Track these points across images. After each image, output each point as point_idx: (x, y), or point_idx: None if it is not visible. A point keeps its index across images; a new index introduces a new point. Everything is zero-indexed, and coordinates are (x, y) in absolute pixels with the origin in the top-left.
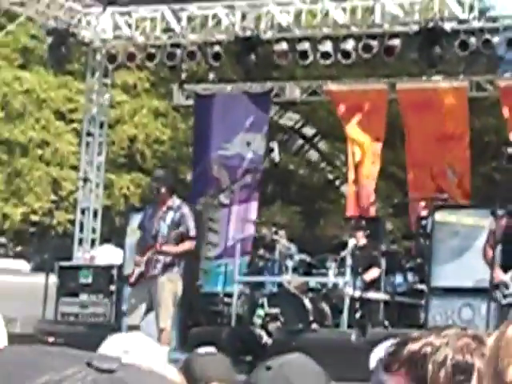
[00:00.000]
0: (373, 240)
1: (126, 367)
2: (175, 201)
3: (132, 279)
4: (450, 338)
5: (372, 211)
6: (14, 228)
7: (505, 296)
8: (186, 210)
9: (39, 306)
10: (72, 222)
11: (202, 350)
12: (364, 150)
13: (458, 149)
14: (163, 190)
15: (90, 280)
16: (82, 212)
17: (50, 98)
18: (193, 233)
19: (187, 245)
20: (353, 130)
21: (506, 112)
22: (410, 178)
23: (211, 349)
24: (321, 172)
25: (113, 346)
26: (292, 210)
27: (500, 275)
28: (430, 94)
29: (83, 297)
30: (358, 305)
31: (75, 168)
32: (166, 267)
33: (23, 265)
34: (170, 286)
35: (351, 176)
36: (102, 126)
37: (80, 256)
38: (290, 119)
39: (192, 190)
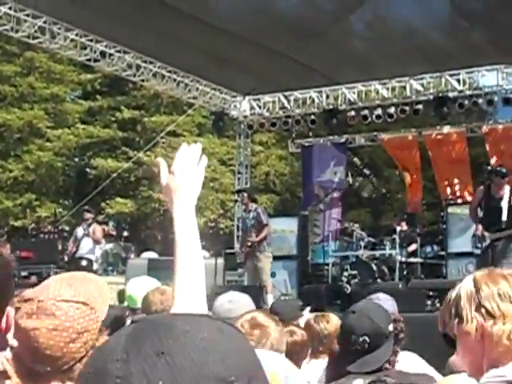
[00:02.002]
0: (412, 226)
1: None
2: (253, 205)
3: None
4: None
5: (413, 208)
6: (199, 231)
7: (479, 247)
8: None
9: (212, 276)
10: (232, 226)
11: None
12: (411, 173)
13: (463, 168)
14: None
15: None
16: (238, 220)
17: (216, 152)
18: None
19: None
20: (401, 161)
21: (487, 145)
22: (438, 186)
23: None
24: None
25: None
26: (363, 211)
27: (480, 229)
28: (443, 136)
29: (239, 271)
30: (404, 266)
31: (233, 193)
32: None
33: (204, 253)
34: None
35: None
36: (247, 167)
37: (237, 247)
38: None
39: (303, 202)
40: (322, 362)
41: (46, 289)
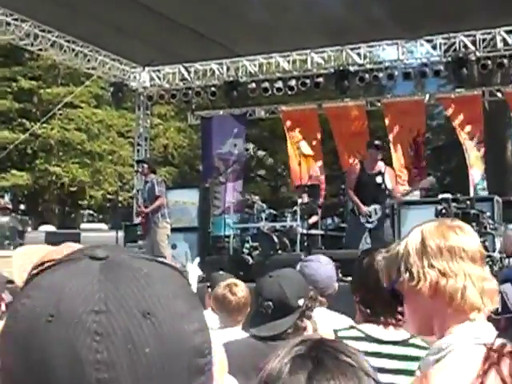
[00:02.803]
0: (313, 198)
1: (115, 251)
2: (151, 176)
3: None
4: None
5: (313, 180)
6: (97, 204)
7: (371, 222)
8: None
9: None
10: (131, 198)
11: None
12: (312, 146)
13: (362, 141)
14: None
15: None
16: (137, 191)
17: (115, 124)
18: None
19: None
20: (301, 134)
21: (386, 119)
22: (340, 159)
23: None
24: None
25: None
26: (263, 184)
27: (364, 208)
28: (343, 110)
29: (139, 243)
30: (305, 238)
31: (131, 165)
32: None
33: (103, 226)
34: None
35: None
36: (146, 139)
37: (136, 219)
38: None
39: (202, 175)
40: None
41: None
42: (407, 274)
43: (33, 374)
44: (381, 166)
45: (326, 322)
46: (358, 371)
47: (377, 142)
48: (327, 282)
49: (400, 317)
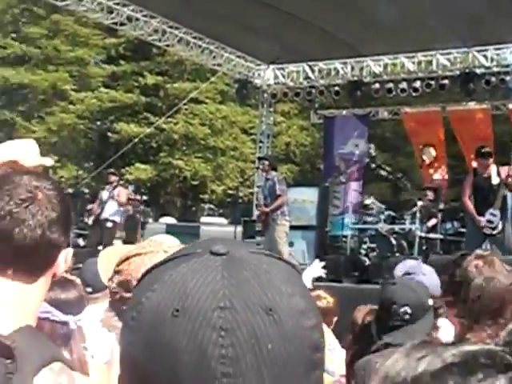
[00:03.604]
0: (433, 201)
1: (234, 246)
2: (272, 173)
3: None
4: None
5: (435, 183)
6: (218, 199)
7: (492, 228)
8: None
9: None
10: (251, 194)
11: None
12: (435, 149)
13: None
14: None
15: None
16: (258, 187)
17: (238, 121)
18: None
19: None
20: (423, 137)
21: None
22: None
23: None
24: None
25: None
26: (384, 185)
27: (479, 218)
28: (468, 113)
29: (257, 239)
30: (423, 241)
31: (253, 162)
32: None
33: (223, 220)
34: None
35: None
36: (268, 136)
37: (256, 215)
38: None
39: (323, 174)
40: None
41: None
42: None
43: (159, 366)
44: (493, 168)
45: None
46: None
47: (483, 150)
48: (434, 291)
49: (502, 320)
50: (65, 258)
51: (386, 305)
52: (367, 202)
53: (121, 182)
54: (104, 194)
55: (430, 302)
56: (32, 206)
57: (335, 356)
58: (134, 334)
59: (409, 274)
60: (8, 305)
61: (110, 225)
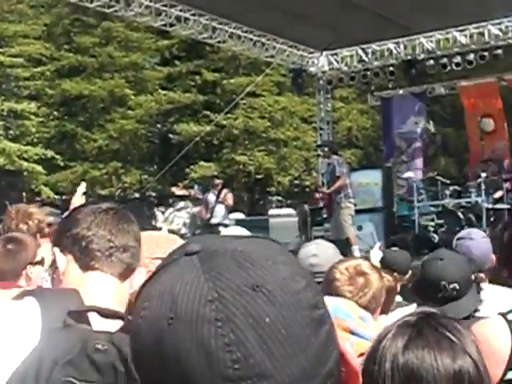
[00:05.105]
0: (497, 172)
1: (207, 240)
2: (333, 157)
3: None
4: None
5: (497, 155)
6: (284, 190)
7: None
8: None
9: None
10: (317, 182)
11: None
12: (495, 119)
13: None
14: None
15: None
16: (322, 175)
17: (297, 110)
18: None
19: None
20: (482, 109)
21: None
22: None
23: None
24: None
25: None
26: (448, 160)
27: None
28: None
29: (325, 226)
30: (491, 213)
31: (316, 150)
32: None
33: (290, 211)
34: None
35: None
36: (328, 123)
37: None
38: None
39: (384, 155)
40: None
41: None
42: None
43: (172, 376)
44: None
45: (491, 301)
46: (455, 346)
47: None
48: (482, 258)
49: None
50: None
51: (435, 281)
52: (431, 178)
53: (221, 183)
54: (210, 198)
55: (473, 276)
56: None
57: (369, 323)
58: (142, 356)
59: (459, 239)
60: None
61: (222, 229)
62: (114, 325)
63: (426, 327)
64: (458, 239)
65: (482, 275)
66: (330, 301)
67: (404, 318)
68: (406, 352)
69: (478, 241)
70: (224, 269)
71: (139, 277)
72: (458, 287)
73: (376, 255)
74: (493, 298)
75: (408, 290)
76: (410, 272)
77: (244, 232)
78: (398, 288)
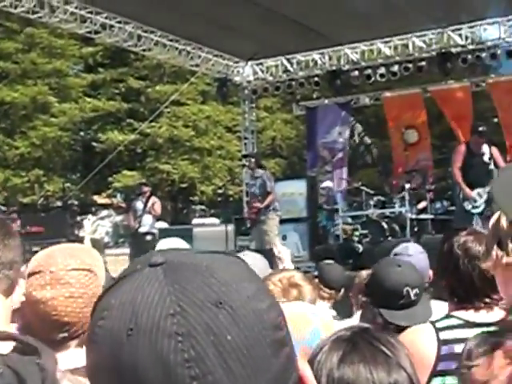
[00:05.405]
0: (421, 183)
1: (171, 253)
2: (259, 171)
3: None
4: None
5: (421, 165)
6: (208, 199)
7: (477, 207)
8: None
9: (223, 242)
10: (241, 192)
11: (325, 262)
12: (419, 131)
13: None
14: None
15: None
16: (246, 185)
17: (222, 119)
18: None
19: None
20: (406, 120)
21: (494, 99)
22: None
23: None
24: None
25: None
26: (371, 170)
27: (469, 191)
28: (449, 91)
29: (250, 236)
30: (414, 223)
31: (240, 159)
32: None
33: (214, 220)
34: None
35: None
36: (253, 132)
37: (246, 212)
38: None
39: (308, 165)
40: None
41: (51, 259)
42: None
43: None
44: (485, 147)
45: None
46: (390, 360)
47: (480, 129)
48: (420, 274)
49: (488, 300)
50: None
51: (397, 286)
52: (356, 188)
53: (152, 191)
54: (138, 205)
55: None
56: None
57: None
58: (95, 365)
59: (396, 255)
60: None
61: (149, 238)
62: (5, 346)
63: (361, 341)
64: (396, 255)
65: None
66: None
67: (338, 332)
68: (342, 366)
69: (415, 257)
70: (188, 283)
71: (19, 290)
72: (418, 292)
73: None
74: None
75: (341, 305)
76: (343, 289)
77: (183, 244)
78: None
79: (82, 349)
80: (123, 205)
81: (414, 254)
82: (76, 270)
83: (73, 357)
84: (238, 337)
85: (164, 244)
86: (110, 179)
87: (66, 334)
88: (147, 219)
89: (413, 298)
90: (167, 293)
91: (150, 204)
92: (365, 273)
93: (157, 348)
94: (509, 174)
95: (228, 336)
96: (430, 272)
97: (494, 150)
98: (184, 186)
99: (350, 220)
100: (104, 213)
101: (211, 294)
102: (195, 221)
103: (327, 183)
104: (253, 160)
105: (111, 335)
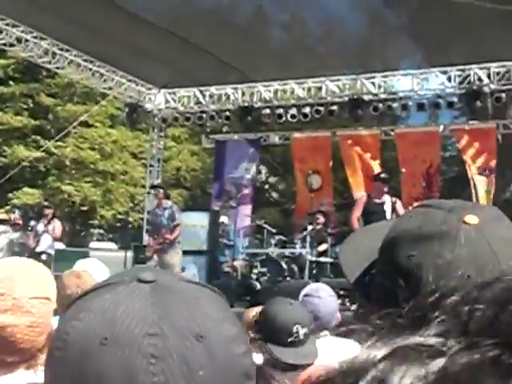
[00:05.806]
0: (323, 226)
1: (161, 274)
2: (168, 202)
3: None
4: None
5: (323, 208)
6: (107, 224)
7: None
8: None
9: (121, 269)
10: (142, 219)
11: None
12: (322, 175)
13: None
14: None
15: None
16: (148, 213)
17: (128, 145)
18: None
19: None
20: (311, 163)
21: (399, 149)
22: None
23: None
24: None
25: None
26: (274, 209)
27: None
28: (358, 138)
29: (150, 263)
30: (314, 265)
31: (143, 186)
32: None
33: (112, 245)
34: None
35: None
36: (159, 161)
37: (146, 240)
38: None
39: (213, 199)
40: None
41: (14, 283)
42: None
43: None
44: (387, 197)
45: (332, 352)
46: None
47: (382, 176)
48: (328, 317)
49: None
50: None
51: (287, 324)
52: (258, 226)
53: (54, 213)
54: (39, 227)
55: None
56: None
57: None
58: (59, 366)
59: (306, 296)
60: None
61: (44, 257)
62: None
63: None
64: (306, 295)
65: (326, 332)
66: None
67: None
68: None
69: (325, 299)
70: (173, 308)
71: None
72: (308, 331)
73: None
74: (335, 349)
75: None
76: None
77: (101, 266)
78: None
79: (30, 371)
80: (20, 222)
81: (324, 297)
82: (37, 298)
83: (21, 379)
84: (210, 375)
85: (81, 265)
86: (9, 195)
87: (16, 358)
88: (46, 239)
89: (301, 336)
90: (151, 312)
91: (51, 227)
92: (254, 309)
93: (128, 363)
94: (358, 237)
95: (200, 371)
96: (339, 315)
97: (397, 202)
98: (84, 208)
99: (246, 257)
100: (0, 228)
101: (193, 326)
102: (92, 244)
103: (223, 218)
104: (161, 191)
105: (83, 340)
